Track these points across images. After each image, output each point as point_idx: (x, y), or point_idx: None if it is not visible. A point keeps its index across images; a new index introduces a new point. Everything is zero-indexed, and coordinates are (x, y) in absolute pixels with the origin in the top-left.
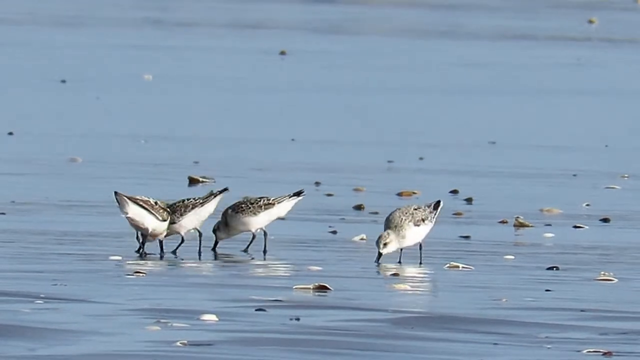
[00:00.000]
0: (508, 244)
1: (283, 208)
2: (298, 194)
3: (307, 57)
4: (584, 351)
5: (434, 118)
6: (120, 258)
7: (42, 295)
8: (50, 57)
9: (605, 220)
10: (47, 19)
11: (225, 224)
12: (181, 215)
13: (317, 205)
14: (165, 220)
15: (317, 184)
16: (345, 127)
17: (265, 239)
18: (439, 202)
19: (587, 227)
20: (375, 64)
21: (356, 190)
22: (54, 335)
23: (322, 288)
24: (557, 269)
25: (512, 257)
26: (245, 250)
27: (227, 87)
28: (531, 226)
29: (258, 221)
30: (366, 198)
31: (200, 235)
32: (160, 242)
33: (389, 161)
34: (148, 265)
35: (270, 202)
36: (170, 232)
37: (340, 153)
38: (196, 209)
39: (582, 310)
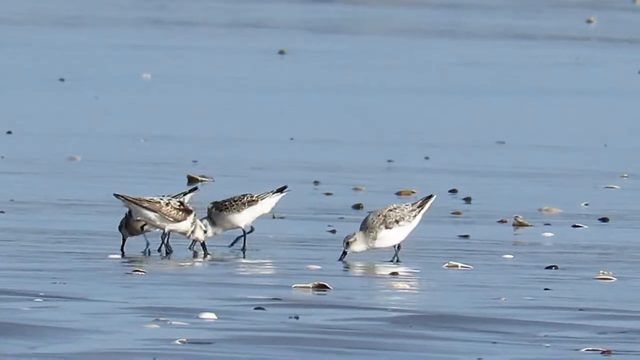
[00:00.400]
0: (507, 243)
1: (267, 204)
2: (281, 190)
3: (306, 57)
4: (583, 350)
5: (433, 118)
6: (119, 257)
7: (41, 294)
8: (50, 57)
9: (604, 219)
10: (47, 19)
11: (213, 222)
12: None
13: (316, 204)
14: (181, 220)
15: (316, 182)
16: (345, 126)
17: (245, 236)
18: (429, 196)
19: (586, 226)
20: (375, 64)
21: (355, 189)
22: (53, 333)
23: (321, 287)
24: (556, 268)
25: (511, 256)
26: (243, 249)
27: (227, 87)
28: (530, 225)
29: (242, 218)
30: (365, 197)
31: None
32: (202, 243)
33: (389, 160)
34: (147, 264)
35: (253, 198)
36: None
37: (340, 152)
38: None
39: (581, 309)
